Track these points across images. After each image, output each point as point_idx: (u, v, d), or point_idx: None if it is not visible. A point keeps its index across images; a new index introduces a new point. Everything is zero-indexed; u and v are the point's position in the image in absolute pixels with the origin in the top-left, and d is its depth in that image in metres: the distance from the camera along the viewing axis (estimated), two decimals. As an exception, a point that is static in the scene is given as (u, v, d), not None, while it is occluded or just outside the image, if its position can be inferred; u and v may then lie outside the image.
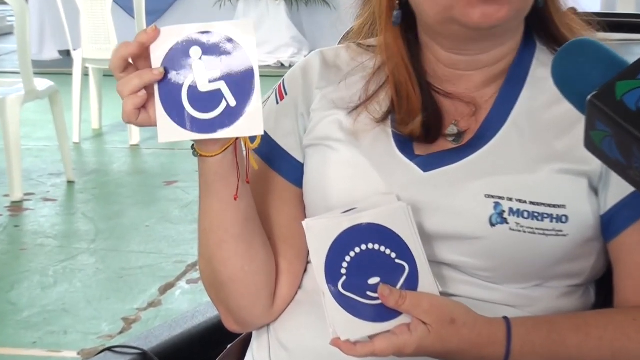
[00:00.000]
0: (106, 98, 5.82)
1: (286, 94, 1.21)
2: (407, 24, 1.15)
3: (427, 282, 1.03)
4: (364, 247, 1.02)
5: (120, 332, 3.04)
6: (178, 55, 1.00)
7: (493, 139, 1.10)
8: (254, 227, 1.14)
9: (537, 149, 1.09)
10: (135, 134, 5.51)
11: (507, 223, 1.05)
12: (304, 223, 1.04)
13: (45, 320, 3.14)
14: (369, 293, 1.02)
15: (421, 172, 1.10)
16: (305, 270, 1.20)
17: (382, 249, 1.03)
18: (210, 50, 1.00)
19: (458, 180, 1.08)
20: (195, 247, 4.05)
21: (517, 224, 1.05)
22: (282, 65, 8.15)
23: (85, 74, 5.64)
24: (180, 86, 1.00)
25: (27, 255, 3.74)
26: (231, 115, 1.00)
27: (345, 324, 1.01)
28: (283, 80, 1.23)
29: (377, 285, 1.02)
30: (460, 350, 1.01)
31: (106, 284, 3.43)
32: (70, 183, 4.73)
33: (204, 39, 1.00)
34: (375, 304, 1.01)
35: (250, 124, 1.00)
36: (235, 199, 1.09)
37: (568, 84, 0.74)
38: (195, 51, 1.00)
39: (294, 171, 1.19)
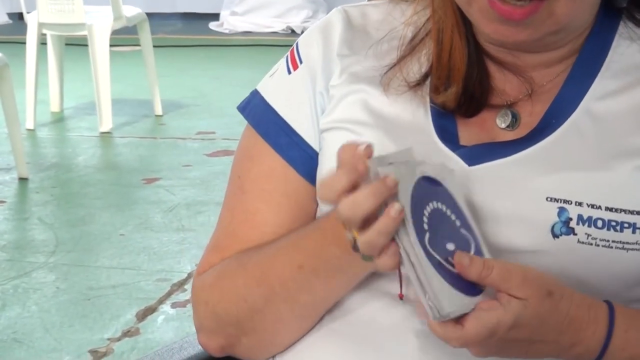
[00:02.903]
0: (69, 73, 5.84)
1: (301, 62, 1.21)
2: None
3: None
4: (435, 204, 1.01)
5: (87, 369, 3.06)
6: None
7: (559, 129, 1.11)
8: None
9: (613, 142, 1.09)
10: (106, 118, 5.51)
11: (575, 234, 1.06)
12: (369, 162, 1.00)
13: (-7, 352, 3.16)
14: (450, 259, 1.00)
15: (465, 165, 1.10)
16: None
17: (449, 212, 1.02)
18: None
19: (511, 177, 1.09)
20: (182, 260, 4.04)
21: (588, 235, 1.06)
22: (293, 31, 8.17)
23: (43, 43, 5.65)
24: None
25: (-32, 272, 3.76)
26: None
27: (448, 293, 0.98)
28: (297, 44, 1.23)
29: (453, 252, 1.00)
30: (558, 330, 1.02)
31: (69, 308, 3.44)
32: (22, 180, 4.75)
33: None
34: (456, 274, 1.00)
35: None
36: (400, 297, 1.09)
37: None
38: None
39: (306, 161, 1.19)
